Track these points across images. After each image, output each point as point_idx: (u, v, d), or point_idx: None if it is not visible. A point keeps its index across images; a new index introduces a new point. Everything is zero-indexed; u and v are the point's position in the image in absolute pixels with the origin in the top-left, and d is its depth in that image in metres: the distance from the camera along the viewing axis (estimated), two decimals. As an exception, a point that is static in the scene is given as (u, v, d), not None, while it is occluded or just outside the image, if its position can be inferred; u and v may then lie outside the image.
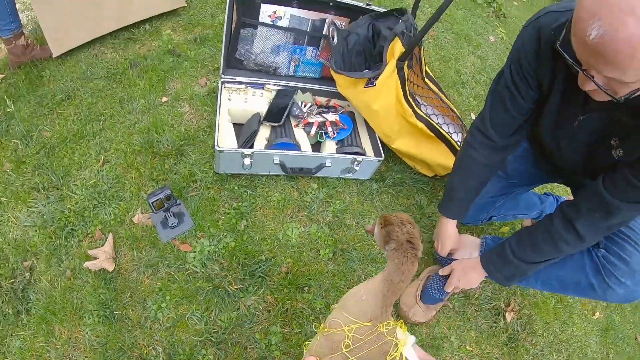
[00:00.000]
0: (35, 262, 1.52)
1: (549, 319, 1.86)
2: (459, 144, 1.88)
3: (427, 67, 1.97)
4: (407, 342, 0.91)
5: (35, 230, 1.56)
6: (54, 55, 1.92)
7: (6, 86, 1.81)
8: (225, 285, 1.55)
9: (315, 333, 1.19)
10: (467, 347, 1.68)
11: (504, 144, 1.38)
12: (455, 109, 2.02)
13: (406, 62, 1.65)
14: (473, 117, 2.46)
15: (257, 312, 1.55)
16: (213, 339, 1.49)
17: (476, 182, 1.49)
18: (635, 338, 2.09)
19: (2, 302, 1.45)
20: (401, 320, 1.03)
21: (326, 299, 1.59)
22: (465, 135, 2.15)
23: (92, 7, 1.92)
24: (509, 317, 1.77)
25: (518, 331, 1.77)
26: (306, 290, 1.61)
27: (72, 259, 1.53)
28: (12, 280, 1.48)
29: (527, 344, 1.76)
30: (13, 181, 1.62)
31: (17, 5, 1.79)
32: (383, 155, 1.81)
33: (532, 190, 1.81)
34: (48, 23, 1.82)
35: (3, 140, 1.69)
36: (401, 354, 0.88)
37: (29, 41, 1.86)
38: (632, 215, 1.15)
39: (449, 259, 1.64)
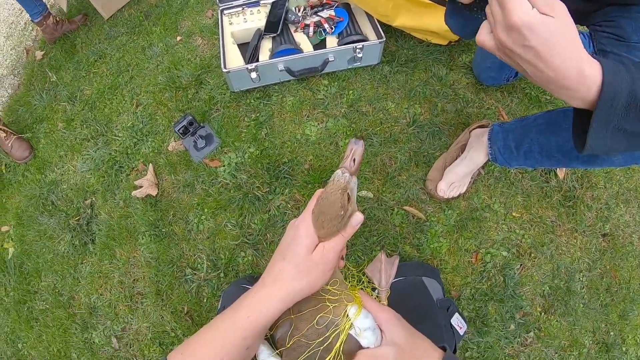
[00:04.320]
0: (94, 199, 1.72)
1: (609, 168, 1.60)
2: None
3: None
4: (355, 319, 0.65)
5: (91, 173, 1.75)
6: (106, 18, 2.14)
7: (48, 60, 2.05)
8: (254, 191, 1.58)
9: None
10: (514, 214, 1.51)
11: None
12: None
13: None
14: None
15: (286, 211, 1.56)
16: (249, 241, 1.54)
17: None
18: None
19: (72, 237, 1.66)
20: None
21: (352, 187, 1.54)
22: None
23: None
24: (561, 174, 1.55)
25: (574, 187, 1.55)
26: (330, 183, 1.58)
27: (123, 192, 1.69)
28: (77, 218, 1.69)
29: (588, 200, 1.54)
30: (67, 137, 1.84)
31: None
32: (384, 36, 1.67)
33: None
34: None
35: (54, 105, 1.93)
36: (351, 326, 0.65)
37: (57, 19, 2.08)
38: None
39: None
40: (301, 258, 0.63)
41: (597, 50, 0.93)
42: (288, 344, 0.64)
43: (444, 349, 0.66)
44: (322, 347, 0.62)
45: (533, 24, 0.50)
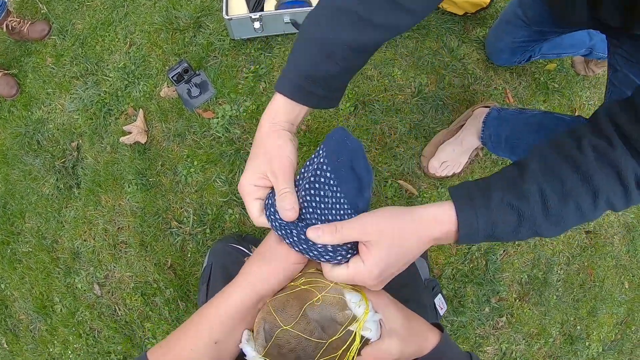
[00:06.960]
0: (81, 141, 1.67)
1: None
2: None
3: None
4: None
5: (79, 114, 1.69)
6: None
7: (39, -12, 1.92)
8: (247, 148, 1.54)
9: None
10: (509, 194, 1.51)
11: None
12: None
13: None
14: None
15: (278, 172, 1.53)
16: (238, 200, 1.52)
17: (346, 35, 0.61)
18: None
19: (57, 180, 1.63)
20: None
21: (350, 154, 1.51)
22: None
23: None
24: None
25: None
26: (328, 146, 1.54)
27: (111, 136, 1.64)
28: (63, 160, 1.65)
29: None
30: (56, 73, 1.76)
31: None
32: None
33: None
34: None
35: (43, 39, 1.83)
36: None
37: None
38: None
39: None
40: (270, 245, 0.62)
41: (609, 64, 0.95)
42: (272, 339, 0.56)
43: (439, 327, 0.65)
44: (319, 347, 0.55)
45: (374, 277, 0.54)
